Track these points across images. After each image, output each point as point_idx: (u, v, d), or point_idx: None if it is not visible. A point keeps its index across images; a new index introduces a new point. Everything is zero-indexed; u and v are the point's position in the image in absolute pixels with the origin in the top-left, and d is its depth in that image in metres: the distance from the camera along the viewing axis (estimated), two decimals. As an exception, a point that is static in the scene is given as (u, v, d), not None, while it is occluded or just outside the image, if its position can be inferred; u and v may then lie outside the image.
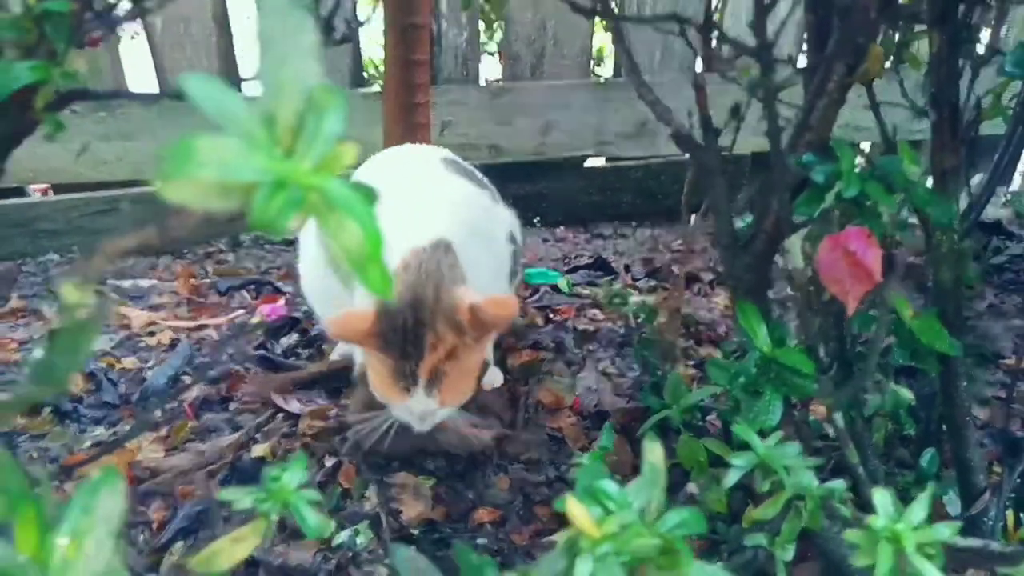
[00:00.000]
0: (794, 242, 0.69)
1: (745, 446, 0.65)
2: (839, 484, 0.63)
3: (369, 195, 0.28)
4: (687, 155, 0.81)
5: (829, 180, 0.66)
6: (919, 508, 0.50)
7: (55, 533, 0.30)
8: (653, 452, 0.43)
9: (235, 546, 0.44)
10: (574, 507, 0.39)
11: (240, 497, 0.47)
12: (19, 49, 0.45)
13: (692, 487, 0.59)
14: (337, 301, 1.41)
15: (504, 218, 1.40)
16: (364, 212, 0.27)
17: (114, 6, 0.49)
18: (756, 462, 0.60)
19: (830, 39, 0.85)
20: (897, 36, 1.04)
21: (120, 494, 0.29)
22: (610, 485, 0.41)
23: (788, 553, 0.66)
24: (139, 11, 0.52)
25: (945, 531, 0.50)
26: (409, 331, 1.00)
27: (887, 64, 1.04)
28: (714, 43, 1.20)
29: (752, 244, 0.76)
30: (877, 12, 0.65)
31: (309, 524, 0.48)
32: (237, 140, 0.24)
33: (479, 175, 1.46)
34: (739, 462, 0.60)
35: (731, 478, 0.60)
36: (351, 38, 0.78)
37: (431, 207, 1.18)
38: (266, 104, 0.25)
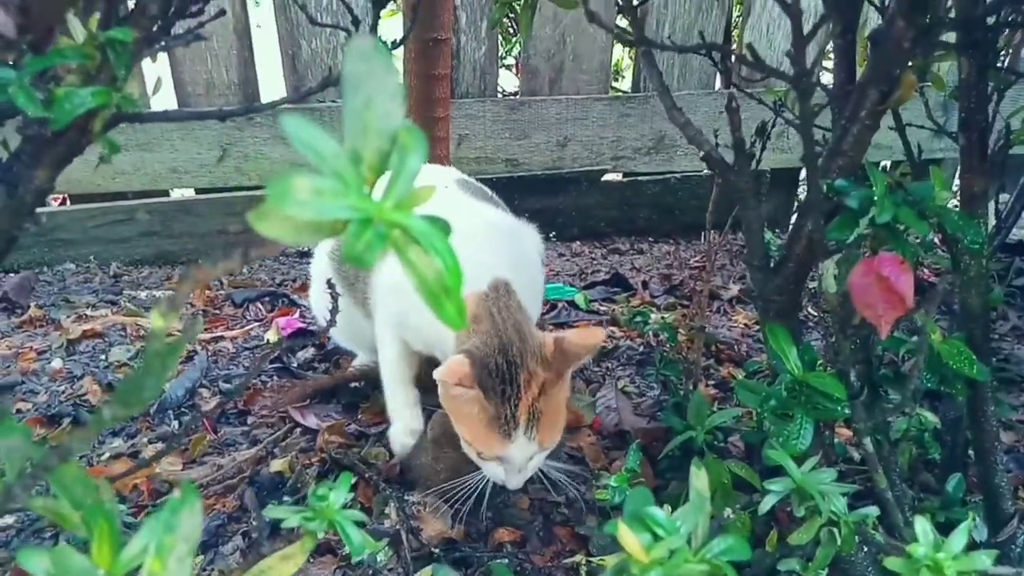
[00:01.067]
0: (827, 266, 0.69)
1: (774, 471, 0.66)
2: (872, 510, 0.63)
3: (446, 229, 0.29)
4: (708, 170, 0.82)
5: (863, 205, 0.67)
6: (959, 537, 0.51)
7: (131, 546, 0.31)
8: (699, 478, 0.43)
9: (283, 563, 0.45)
10: (624, 532, 0.40)
11: (286, 516, 0.48)
12: (80, 74, 0.46)
13: (728, 512, 0.59)
14: (362, 336, 1.43)
15: (535, 238, 1.40)
16: (443, 247, 0.28)
17: (169, 30, 0.50)
18: (792, 488, 0.60)
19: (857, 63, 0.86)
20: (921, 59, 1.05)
21: (199, 513, 0.29)
22: (658, 511, 0.41)
23: (821, 578, 0.66)
24: (194, 36, 0.53)
25: (985, 560, 0.50)
26: (504, 373, 1.00)
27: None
28: (733, 59, 1.21)
29: (784, 267, 0.77)
30: (911, 43, 0.65)
31: (354, 543, 0.49)
32: (333, 180, 0.24)
33: (490, 192, 1.45)
34: (776, 487, 0.60)
35: (767, 503, 0.60)
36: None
37: (476, 245, 1.15)
38: (352, 144, 0.26)
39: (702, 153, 0.78)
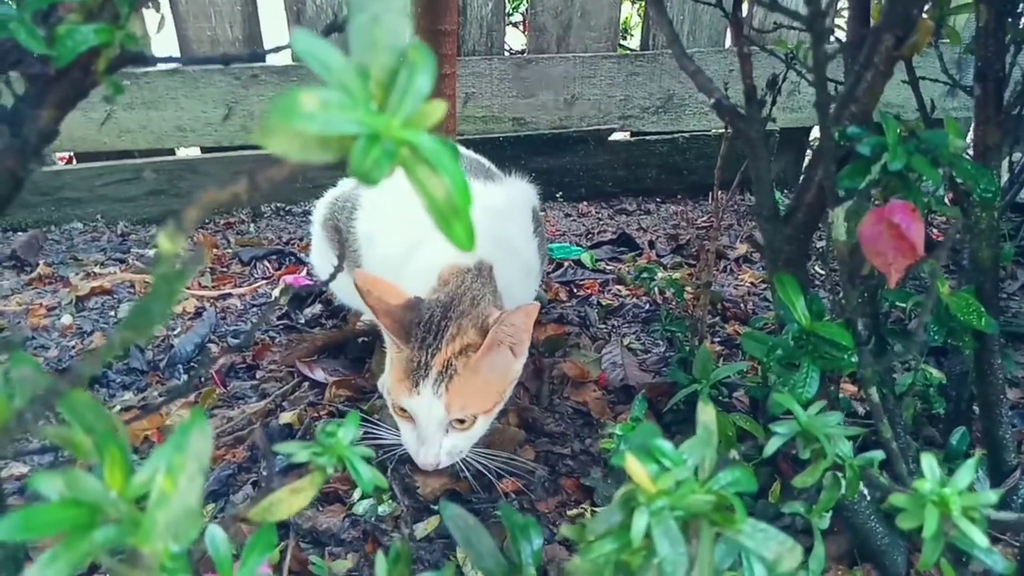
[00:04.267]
0: (837, 214, 0.69)
1: (777, 419, 0.66)
2: (877, 454, 0.64)
3: (455, 151, 0.28)
4: (717, 129, 0.81)
5: (875, 152, 0.66)
6: (965, 473, 0.51)
7: (142, 472, 0.32)
8: (706, 413, 0.44)
9: (294, 497, 0.46)
10: (632, 462, 0.40)
11: (296, 451, 0.48)
12: (82, 12, 0.46)
13: (734, 453, 0.60)
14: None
15: (530, 195, 1.39)
16: (452, 166, 0.27)
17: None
18: (798, 430, 0.60)
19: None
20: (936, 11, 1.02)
21: (208, 435, 0.30)
22: (666, 444, 0.42)
23: (825, 521, 0.67)
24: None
25: (991, 496, 0.50)
26: (435, 324, 1.03)
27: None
28: (745, 11, 1.18)
29: (793, 216, 0.76)
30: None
31: (363, 478, 0.50)
32: (339, 94, 0.24)
33: (486, 164, 1.44)
34: (782, 430, 0.60)
35: (773, 445, 0.60)
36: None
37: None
38: (359, 60, 0.26)
39: (712, 101, 0.77)
